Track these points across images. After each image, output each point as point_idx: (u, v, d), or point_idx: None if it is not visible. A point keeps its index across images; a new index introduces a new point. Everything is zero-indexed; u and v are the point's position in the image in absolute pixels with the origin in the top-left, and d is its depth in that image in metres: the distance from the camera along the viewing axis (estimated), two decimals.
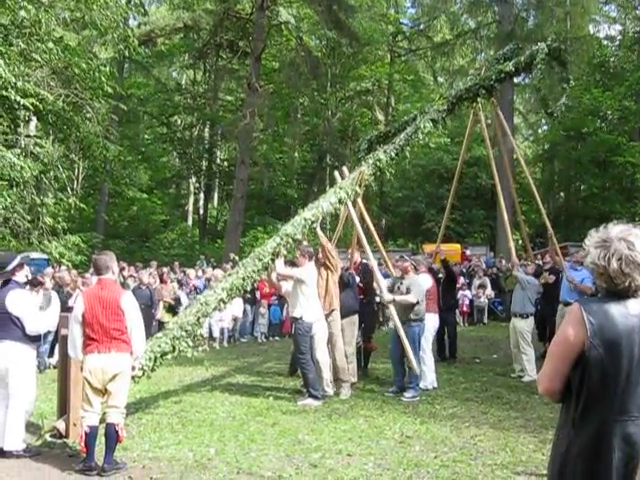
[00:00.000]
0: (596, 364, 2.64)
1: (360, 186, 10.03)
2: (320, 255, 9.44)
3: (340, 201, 9.68)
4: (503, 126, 12.71)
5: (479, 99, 11.74)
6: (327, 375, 9.10)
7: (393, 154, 10.66)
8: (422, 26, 34.51)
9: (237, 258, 9.57)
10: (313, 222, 9.22)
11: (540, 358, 10.97)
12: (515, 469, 5.78)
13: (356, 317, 9.90)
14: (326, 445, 6.56)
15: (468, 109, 12.20)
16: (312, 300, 8.88)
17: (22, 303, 6.30)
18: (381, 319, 16.51)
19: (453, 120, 37.01)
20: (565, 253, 14.64)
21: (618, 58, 32.03)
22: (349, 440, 6.75)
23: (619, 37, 34.31)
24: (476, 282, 19.13)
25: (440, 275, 12.38)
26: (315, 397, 8.60)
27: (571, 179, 31.82)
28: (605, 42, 33.71)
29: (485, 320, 18.80)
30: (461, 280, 18.12)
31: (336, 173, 10.86)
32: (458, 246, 24.78)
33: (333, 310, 9.32)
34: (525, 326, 10.47)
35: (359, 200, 10.15)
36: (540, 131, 40.47)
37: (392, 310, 9.20)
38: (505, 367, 11.21)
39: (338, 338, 9.36)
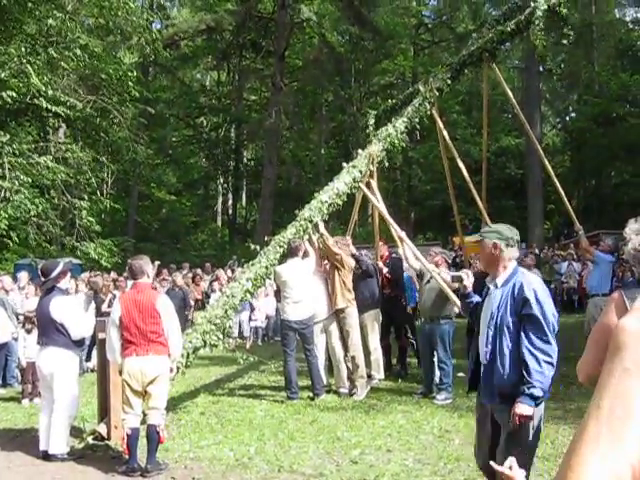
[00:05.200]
0: None
1: (372, 163, 9.93)
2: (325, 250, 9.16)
3: (354, 180, 9.61)
4: (506, 91, 12.40)
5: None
6: (344, 373, 8.95)
7: (402, 127, 10.51)
8: (444, 17, 34.37)
9: (272, 238, 9.30)
10: (330, 205, 9.17)
11: None
12: (557, 461, 5.70)
13: (377, 311, 9.49)
14: (365, 441, 6.56)
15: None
16: (295, 298, 8.64)
17: (66, 310, 6.41)
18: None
19: (479, 110, 36.88)
20: (597, 241, 14.43)
21: None
22: (388, 436, 6.75)
23: None
24: None
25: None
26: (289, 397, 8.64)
27: (601, 166, 31.32)
28: (631, 26, 33.20)
29: None
30: None
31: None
32: None
33: (346, 307, 8.88)
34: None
35: (372, 181, 9.99)
36: (568, 118, 39.88)
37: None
38: None
39: (354, 335, 8.95)
